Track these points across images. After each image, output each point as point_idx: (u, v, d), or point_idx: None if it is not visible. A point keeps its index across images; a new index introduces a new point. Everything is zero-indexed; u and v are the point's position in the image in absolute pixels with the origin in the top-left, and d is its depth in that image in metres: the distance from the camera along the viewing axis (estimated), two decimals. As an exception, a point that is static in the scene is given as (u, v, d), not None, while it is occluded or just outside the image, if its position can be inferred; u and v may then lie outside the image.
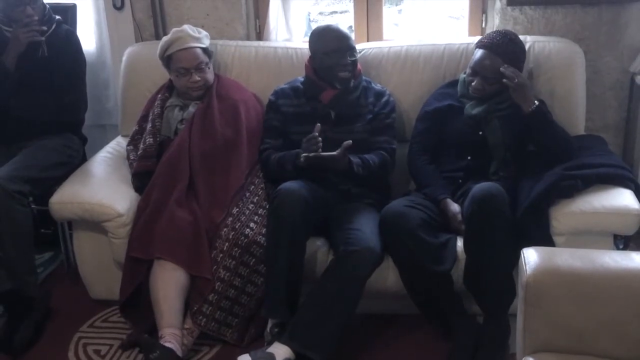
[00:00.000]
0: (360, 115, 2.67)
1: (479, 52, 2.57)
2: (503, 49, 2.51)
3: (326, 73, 2.63)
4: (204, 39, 2.78)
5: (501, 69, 2.47)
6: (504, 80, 2.46)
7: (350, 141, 2.44)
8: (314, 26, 3.36)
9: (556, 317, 1.68)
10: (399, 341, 2.53)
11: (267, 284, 2.43)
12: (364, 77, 2.74)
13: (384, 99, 2.72)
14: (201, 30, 2.80)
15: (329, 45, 2.61)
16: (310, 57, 2.72)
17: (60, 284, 2.96)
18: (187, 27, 2.75)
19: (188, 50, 2.70)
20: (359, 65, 2.70)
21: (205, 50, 2.75)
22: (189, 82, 2.72)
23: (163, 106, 2.80)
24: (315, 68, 2.68)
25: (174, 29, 2.75)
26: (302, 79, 2.76)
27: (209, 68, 2.76)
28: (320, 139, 2.44)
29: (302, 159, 2.45)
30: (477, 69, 2.55)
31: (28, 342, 2.53)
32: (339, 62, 2.59)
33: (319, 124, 2.47)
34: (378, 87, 2.77)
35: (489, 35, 2.59)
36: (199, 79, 2.71)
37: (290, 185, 2.43)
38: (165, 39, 2.74)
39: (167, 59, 2.73)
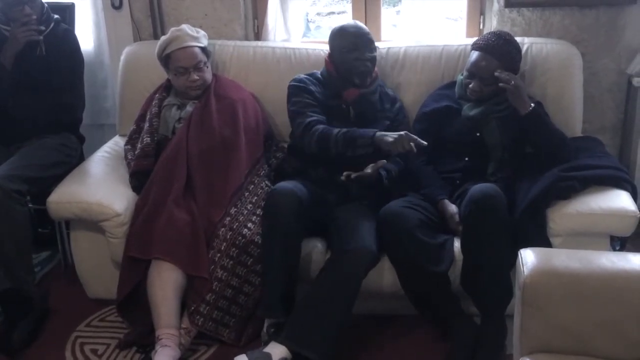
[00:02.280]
0: (378, 118, 2.67)
1: (474, 54, 2.58)
2: (498, 49, 2.52)
3: (345, 68, 2.62)
4: (202, 39, 2.78)
5: (495, 73, 2.48)
6: (500, 84, 2.46)
7: (385, 160, 2.46)
8: (311, 27, 3.36)
9: (553, 318, 1.68)
10: (396, 342, 2.53)
11: (263, 284, 2.44)
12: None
13: (397, 105, 2.76)
14: (199, 30, 2.81)
15: (348, 40, 2.62)
16: (329, 56, 2.72)
17: (58, 283, 2.96)
18: (185, 27, 2.75)
19: (186, 49, 2.70)
20: (376, 69, 2.70)
21: (203, 49, 2.75)
22: (187, 81, 2.72)
23: (161, 105, 2.80)
24: (336, 65, 2.67)
25: (173, 29, 2.76)
26: (320, 73, 2.75)
27: (207, 67, 2.76)
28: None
29: (343, 177, 2.40)
30: (474, 71, 2.56)
31: (25, 342, 2.53)
32: (358, 56, 2.59)
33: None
34: (390, 92, 2.79)
35: (484, 37, 2.60)
36: (197, 77, 2.71)
37: (284, 185, 2.44)
38: (163, 38, 2.74)
39: (166, 58, 2.73)
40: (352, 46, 2.60)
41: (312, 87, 2.66)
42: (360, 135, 2.43)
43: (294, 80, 2.69)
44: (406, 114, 2.80)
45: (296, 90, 2.66)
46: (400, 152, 2.37)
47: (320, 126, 2.51)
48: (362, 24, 2.70)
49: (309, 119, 2.55)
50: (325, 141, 2.48)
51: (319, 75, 2.74)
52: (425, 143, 2.34)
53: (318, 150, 2.51)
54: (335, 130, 2.47)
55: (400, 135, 2.33)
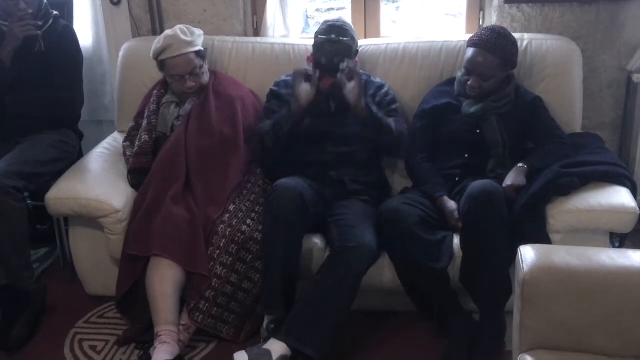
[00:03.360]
0: None
1: (470, 51, 2.57)
2: (493, 44, 2.52)
3: (316, 51, 2.62)
4: (197, 40, 2.72)
5: (507, 192, 2.40)
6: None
7: (347, 65, 2.52)
8: (311, 23, 3.34)
9: (553, 315, 1.68)
10: (395, 338, 2.53)
11: (264, 280, 2.44)
12: (362, 71, 2.74)
13: (384, 89, 2.73)
14: (194, 30, 2.73)
15: (324, 26, 2.63)
16: (313, 48, 2.71)
17: (56, 280, 2.95)
18: (179, 31, 2.67)
19: (181, 57, 2.65)
20: (356, 58, 2.70)
21: (198, 53, 2.70)
22: (183, 87, 2.70)
23: (159, 102, 2.78)
24: (315, 56, 2.66)
25: (166, 34, 2.68)
26: None
27: (203, 72, 2.73)
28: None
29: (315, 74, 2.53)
30: (471, 68, 2.56)
31: (24, 338, 2.53)
32: (329, 39, 2.58)
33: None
34: (377, 80, 2.78)
35: (479, 33, 2.60)
36: (193, 84, 2.69)
37: (287, 181, 2.43)
38: (157, 45, 2.67)
39: (161, 63, 2.71)
40: (325, 31, 2.61)
41: (284, 91, 2.72)
42: (282, 115, 2.60)
43: (274, 83, 2.78)
44: (395, 98, 2.76)
45: (269, 96, 2.77)
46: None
47: (257, 130, 2.64)
48: (344, 19, 2.71)
49: (259, 125, 2.67)
50: (260, 139, 2.62)
51: None
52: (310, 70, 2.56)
53: (260, 149, 2.65)
54: (265, 126, 2.61)
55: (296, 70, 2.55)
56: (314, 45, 2.65)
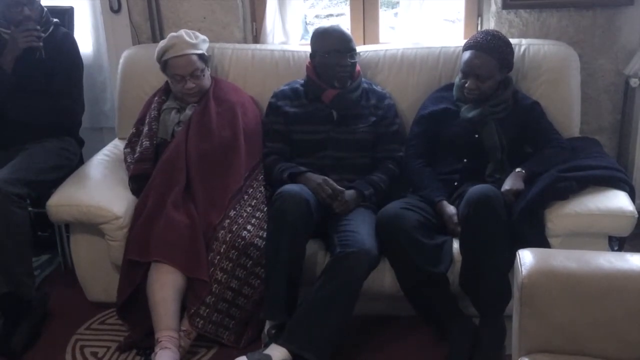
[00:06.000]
0: (362, 115, 2.69)
1: (467, 54, 2.60)
2: (487, 45, 2.55)
3: (325, 72, 2.65)
4: (201, 44, 2.76)
5: (506, 197, 2.41)
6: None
7: (342, 190, 2.55)
8: (310, 29, 3.36)
9: (551, 318, 1.69)
10: (395, 343, 2.54)
11: (267, 286, 2.44)
12: (363, 80, 2.76)
13: (386, 102, 2.75)
14: (198, 35, 2.79)
15: (330, 45, 2.64)
16: (310, 56, 2.74)
17: (57, 287, 2.96)
18: (183, 33, 2.73)
19: (183, 57, 2.69)
20: (357, 67, 2.73)
21: (201, 56, 2.73)
22: (183, 89, 2.72)
23: (160, 109, 2.80)
24: (315, 67, 2.70)
25: (171, 34, 2.74)
26: (302, 81, 2.78)
27: (204, 75, 2.75)
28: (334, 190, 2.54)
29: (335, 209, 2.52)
30: (468, 70, 2.58)
31: (25, 345, 2.53)
32: (339, 62, 2.62)
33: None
34: (379, 89, 2.79)
35: (473, 37, 2.63)
36: (193, 85, 2.71)
37: (291, 187, 2.45)
38: (161, 44, 2.73)
39: (164, 64, 2.73)
40: (334, 52, 2.63)
41: (282, 102, 2.74)
42: (287, 168, 2.62)
43: (272, 94, 2.80)
44: (398, 112, 2.80)
45: (268, 110, 2.80)
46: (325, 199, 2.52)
47: (268, 160, 2.73)
48: (344, 28, 2.72)
49: (265, 150, 2.76)
50: (268, 171, 2.72)
51: (299, 86, 2.78)
52: (343, 190, 2.54)
53: (266, 179, 2.73)
54: (276, 167, 2.67)
55: (319, 183, 2.52)
56: (322, 64, 2.66)
